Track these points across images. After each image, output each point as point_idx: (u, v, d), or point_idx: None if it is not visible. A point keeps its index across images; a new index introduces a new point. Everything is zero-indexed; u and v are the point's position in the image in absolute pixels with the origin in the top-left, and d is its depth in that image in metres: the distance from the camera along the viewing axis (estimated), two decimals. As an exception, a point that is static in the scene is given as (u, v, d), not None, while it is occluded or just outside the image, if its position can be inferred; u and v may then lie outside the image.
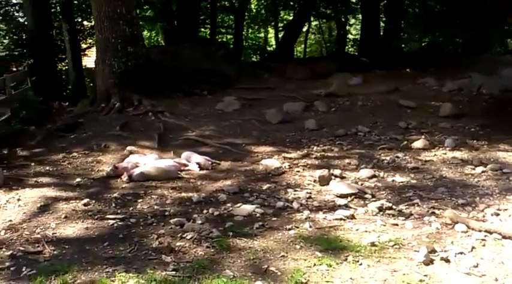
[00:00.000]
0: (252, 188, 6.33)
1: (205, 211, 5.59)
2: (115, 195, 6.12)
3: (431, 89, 12.34)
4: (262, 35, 27.93)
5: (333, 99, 11.11)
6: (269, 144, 8.50)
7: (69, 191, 6.33)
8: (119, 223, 5.29)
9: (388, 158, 7.43)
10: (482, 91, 11.62)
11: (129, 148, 8.17)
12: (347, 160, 7.40)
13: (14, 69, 14.31)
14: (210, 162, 7.34)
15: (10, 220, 5.43)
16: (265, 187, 6.36)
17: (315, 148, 8.17)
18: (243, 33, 23.14)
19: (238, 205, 5.72)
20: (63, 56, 15.99)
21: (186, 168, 7.12)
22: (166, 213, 5.55)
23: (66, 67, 15.94)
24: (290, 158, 7.62)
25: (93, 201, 5.88)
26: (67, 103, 13.26)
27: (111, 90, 11.29)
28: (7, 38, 14.72)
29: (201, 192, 6.21)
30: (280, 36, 22.04)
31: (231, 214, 5.49)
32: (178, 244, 4.76)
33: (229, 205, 5.75)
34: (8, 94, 9.97)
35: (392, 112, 10.17)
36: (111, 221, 5.32)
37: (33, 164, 7.61)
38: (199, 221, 5.29)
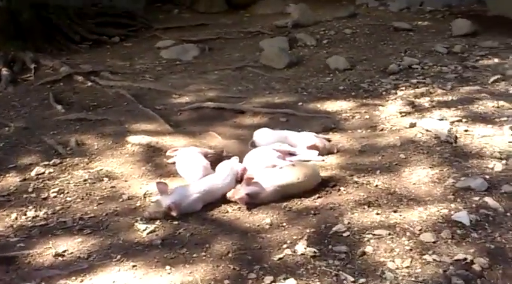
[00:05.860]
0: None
1: None
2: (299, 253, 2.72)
3: (381, 10, 10.26)
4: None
5: (307, 30, 8.27)
6: (328, 97, 5.56)
7: (163, 256, 2.71)
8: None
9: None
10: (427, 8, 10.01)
11: (132, 139, 4.45)
12: (490, 104, 4.99)
13: None
14: (327, 141, 4.18)
15: None
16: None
17: (401, 93, 5.51)
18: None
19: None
20: None
21: (296, 159, 3.86)
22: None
23: None
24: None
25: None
26: None
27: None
28: None
29: (429, 204, 3.18)
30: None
31: None
32: None
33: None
34: None
35: (401, 38, 7.77)
36: None
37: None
38: None
